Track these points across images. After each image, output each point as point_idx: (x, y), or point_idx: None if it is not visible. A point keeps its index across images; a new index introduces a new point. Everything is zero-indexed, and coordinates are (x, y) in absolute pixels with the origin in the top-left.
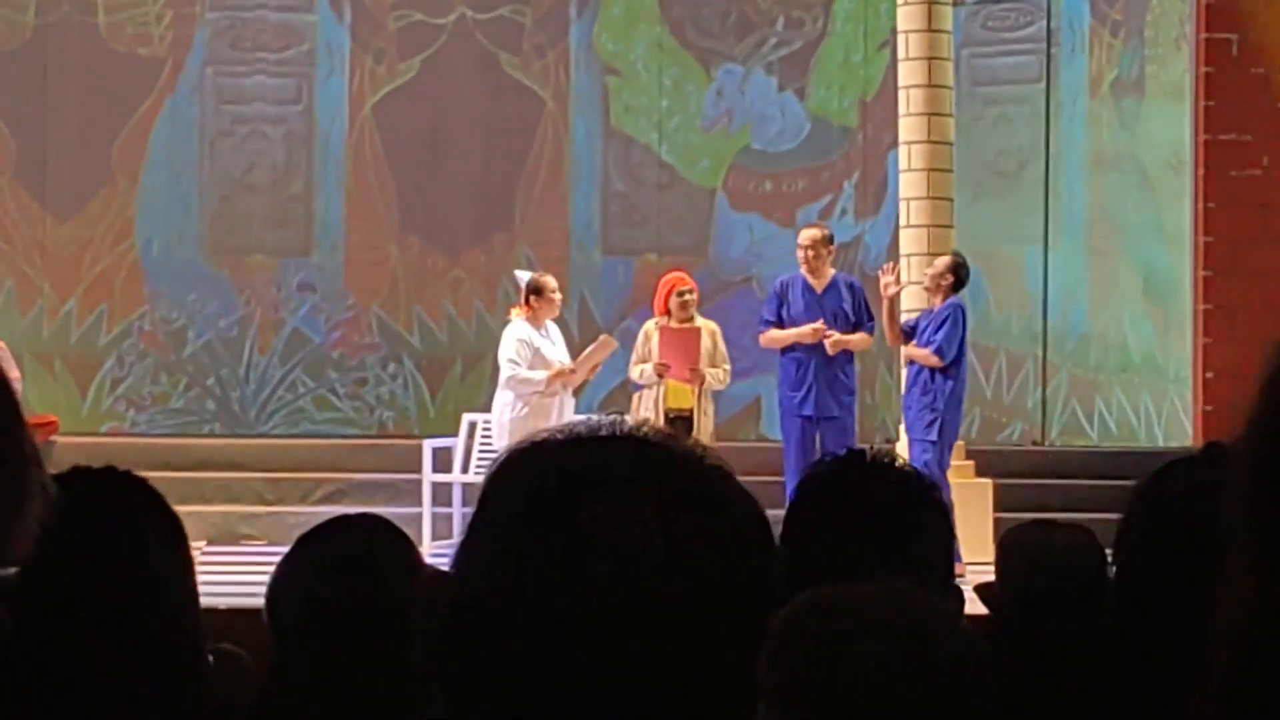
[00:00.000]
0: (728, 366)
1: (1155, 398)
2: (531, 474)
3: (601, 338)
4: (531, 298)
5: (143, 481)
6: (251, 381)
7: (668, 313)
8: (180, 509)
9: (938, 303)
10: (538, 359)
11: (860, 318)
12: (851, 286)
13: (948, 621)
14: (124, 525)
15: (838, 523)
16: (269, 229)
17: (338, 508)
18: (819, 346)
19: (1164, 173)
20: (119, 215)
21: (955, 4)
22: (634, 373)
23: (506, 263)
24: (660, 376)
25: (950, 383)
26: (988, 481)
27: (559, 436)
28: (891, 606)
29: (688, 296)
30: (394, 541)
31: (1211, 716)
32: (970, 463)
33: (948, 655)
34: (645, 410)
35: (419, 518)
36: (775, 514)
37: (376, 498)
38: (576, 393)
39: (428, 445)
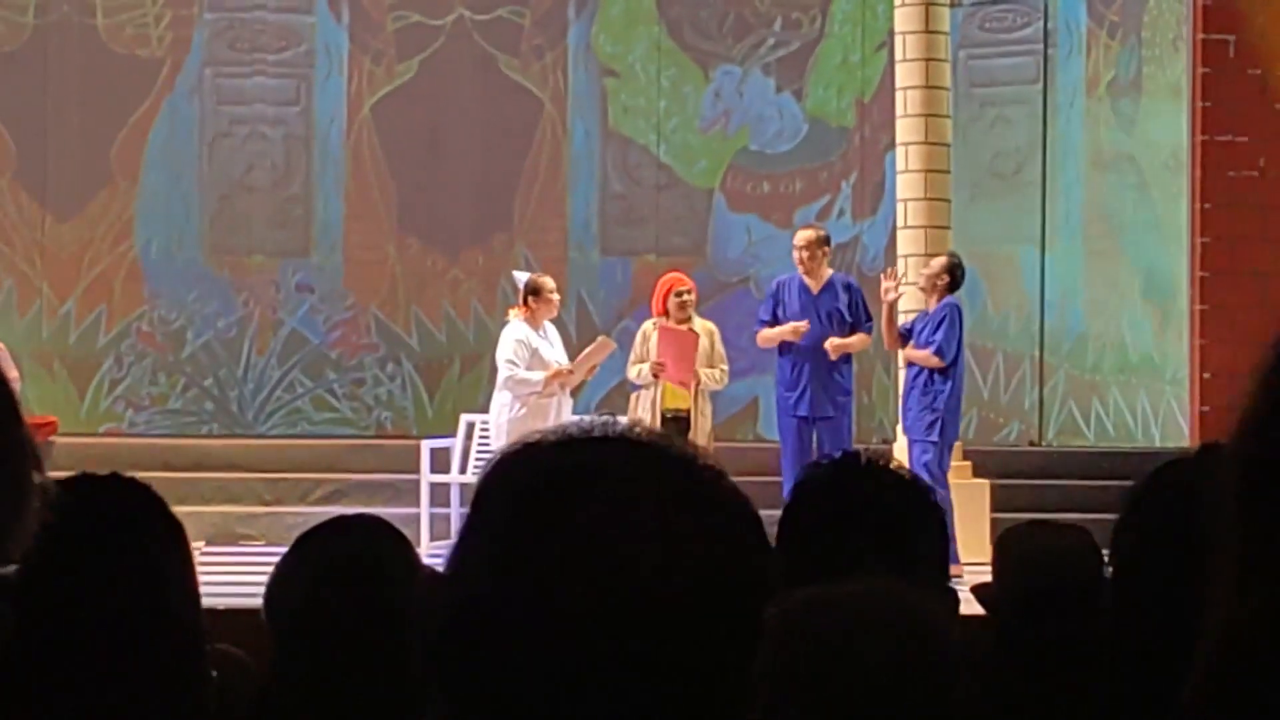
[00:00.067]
0: (725, 367)
1: (1152, 398)
2: (527, 474)
3: (600, 339)
4: (530, 298)
5: (146, 487)
6: (250, 382)
7: (666, 313)
8: (179, 509)
9: (933, 303)
10: (536, 360)
11: (858, 318)
12: (849, 287)
13: (940, 620)
14: (127, 529)
15: (833, 525)
16: (268, 229)
17: (336, 508)
18: (815, 348)
19: (1161, 173)
20: (118, 216)
21: (953, 5)
22: (631, 373)
23: (505, 263)
24: (656, 377)
25: (949, 383)
26: (985, 482)
27: (552, 437)
28: (883, 605)
29: (686, 297)
30: (392, 542)
31: (1200, 715)
32: (968, 463)
33: (939, 653)
34: (642, 410)
35: (417, 518)
36: (773, 514)
37: (375, 498)
38: (574, 393)
39: (426, 446)
